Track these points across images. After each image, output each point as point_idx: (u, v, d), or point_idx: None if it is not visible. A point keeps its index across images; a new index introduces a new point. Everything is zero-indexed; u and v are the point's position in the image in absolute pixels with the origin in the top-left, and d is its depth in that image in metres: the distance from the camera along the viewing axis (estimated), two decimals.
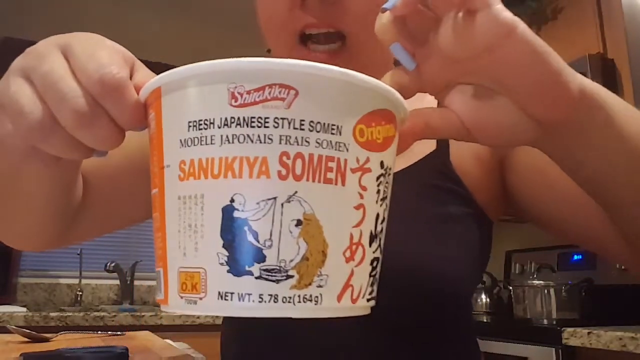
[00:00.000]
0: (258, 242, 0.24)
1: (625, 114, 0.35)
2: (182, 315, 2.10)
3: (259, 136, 0.24)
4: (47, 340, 0.77)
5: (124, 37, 2.78)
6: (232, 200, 0.24)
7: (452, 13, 0.31)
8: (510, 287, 2.04)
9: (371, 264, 0.27)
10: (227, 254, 0.24)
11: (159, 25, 3.01)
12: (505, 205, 0.58)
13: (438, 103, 0.37)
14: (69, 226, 0.51)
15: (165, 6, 2.93)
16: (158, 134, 0.28)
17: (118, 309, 2.31)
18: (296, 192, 0.24)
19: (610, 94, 0.36)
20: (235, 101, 0.25)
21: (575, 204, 0.47)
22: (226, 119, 0.25)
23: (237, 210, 0.24)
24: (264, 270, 0.24)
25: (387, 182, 0.29)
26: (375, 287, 0.29)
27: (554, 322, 1.71)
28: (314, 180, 0.25)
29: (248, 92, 0.25)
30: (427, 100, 0.52)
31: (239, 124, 0.24)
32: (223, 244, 0.25)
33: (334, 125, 0.25)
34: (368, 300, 0.28)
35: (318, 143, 0.25)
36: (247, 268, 0.24)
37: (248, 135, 0.24)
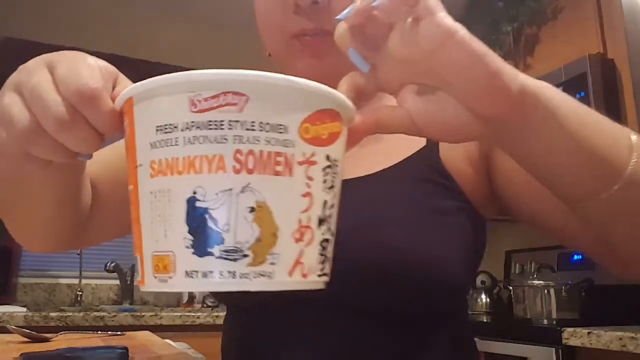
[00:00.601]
0: (217, 227, 0.28)
1: (577, 112, 0.37)
2: (182, 315, 2.10)
3: (215, 137, 0.28)
4: (47, 340, 0.77)
5: (124, 37, 2.78)
6: (194, 193, 0.29)
7: (401, 21, 0.34)
8: (510, 287, 2.05)
9: (321, 244, 0.32)
10: (192, 238, 0.29)
11: (159, 26, 3.01)
12: (495, 204, 0.58)
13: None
14: (82, 230, 0.56)
15: (167, 7, 2.93)
16: (131, 138, 0.32)
17: (118, 309, 2.31)
18: (249, 183, 0.29)
19: (561, 94, 0.37)
20: (195, 107, 0.29)
21: (551, 199, 0.47)
22: (187, 123, 0.29)
23: (199, 200, 0.29)
24: (224, 251, 0.28)
25: (334, 173, 0.32)
26: (327, 265, 0.33)
27: (554, 322, 1.71)
28: (264, 173, 0.29)
29: (205, 99, 0.29)
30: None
31: (199, 127, 0.29)
32: (188, 230, 0.29)
33: (281, 125, 0.29)
34: (319, 276, 0.32)
35: (267, 141, 0.29)
36: (208, 250, 0.28)
37: (206, 137, 0.29)
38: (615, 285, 1.92)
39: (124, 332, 0.91)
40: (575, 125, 0.37)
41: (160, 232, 0.30)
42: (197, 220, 0.29)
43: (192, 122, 0.29)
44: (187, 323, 2.09)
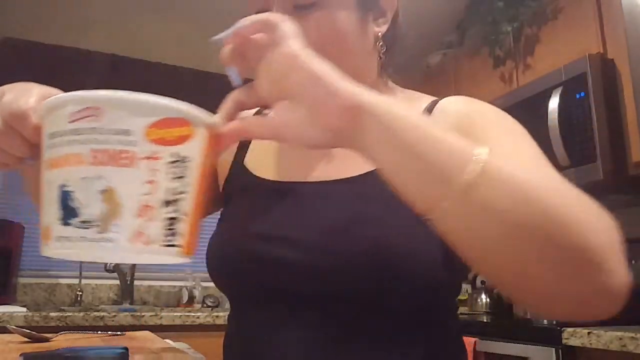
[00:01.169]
0: (76, 205, 0.39)
1: (416, 129, 0.39)
2: (182, 315, 2.10)
3: (80, 140, 0.39)
4: (47, 340, 0.77)
5: (124, 37, 2.77)
6: (65, 181, 0.39)
7: (269, 45, 0.42)
8: None
9: (166, 220, 0.40)
10: (61, 214, 0.39)
11: (158, 26, 3.01)
12: None
13: None
14: None
15: (165, 7, 2.93)
16: (43, 142, 0.43)
17: (118, 309, 2.31)
18: (101, 173, 0.39)
19: (403, 112, 0.40)
20: (70, 119, 0.39)
21: None
22: (65, 131, 0.40)
23: (66, 186, 0.39)
24: (80, 222, 0.38)
25: (184, 167, 0.41)
26: (176, 237, 0.41)
27: (554, 322, 1.71)
28: (113, 165, 0.38)
29: (78, 112, 0.39)
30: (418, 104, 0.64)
31: (71, 133, 0.39)
32: (58, 208, 0.39)
33: (127, 130, 0.39)
34: (167, 245, 0.40)
35: (117, 141, 0.39)
36: (69, 221, 0.39)
37: (75, 140, 0.39)
38: None
39: (124, 332, 0.91)
40: (412, 140, 0.39)
41: (46, 211, 0.41)
42: (64, 201, 0.39)
43: (68, 130, 0.40)
44: (187, 323, 2.09)
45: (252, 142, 0.70)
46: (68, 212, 0.39)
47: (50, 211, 0.40)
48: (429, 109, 0.63)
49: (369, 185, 0.56)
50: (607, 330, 1.39)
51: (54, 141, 0.40)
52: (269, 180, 0.64)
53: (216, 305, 2.65)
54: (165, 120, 0.40)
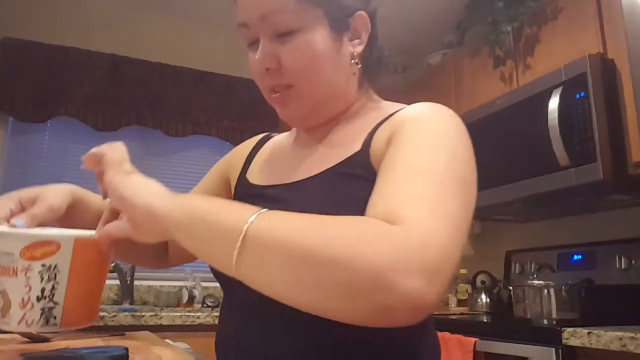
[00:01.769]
0: None
1: (189, 231, 0.52)
2: (182, 315, 2.10)
3: None
4: (47, 340, 0.77)
5: (124, 37, 2.77)
6: None
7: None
8: (510, 287, 2.04)
9: (41, 309, 0.56)
10: None
11: (158, 26, 3.01)
12: None
13: None
14: (162, 259, 0.88)
15: (165, 7, 2.93)
16: None
17: (118, 309, 2.31)
18: (0, 281, 0.56)
19: (192, 212, 0.52)
20: None
21: None
22: None
23: None
24: None
25: (55, 271, 0.56)
26: (50, 320, 0.56)
27: (554, 322, 1.71)
28: (5, 276, 0.56)
29: None
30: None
31: None
32: None
33: (11, 253, 0.56)
34: (42, 326, 0.56)
35: (5, 260, 0.56)
36: None
37: None
38: (615, 285, 1.92)
39: (124, 332, 0.91)
40: (193, 240, 0.52)
41: None
42: None
43: None
44: (187, 323, 2.09)
45: (255, 156, 0.84)
46: None
47: None
48: (389, 117, 0.68)
49: (325, 184, 0.66)
50: (607, 330, 1.39)
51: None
52: (259, 185, 0.76)
53: (216, 305, 2.65)
54: (33, 243, 0.55)
